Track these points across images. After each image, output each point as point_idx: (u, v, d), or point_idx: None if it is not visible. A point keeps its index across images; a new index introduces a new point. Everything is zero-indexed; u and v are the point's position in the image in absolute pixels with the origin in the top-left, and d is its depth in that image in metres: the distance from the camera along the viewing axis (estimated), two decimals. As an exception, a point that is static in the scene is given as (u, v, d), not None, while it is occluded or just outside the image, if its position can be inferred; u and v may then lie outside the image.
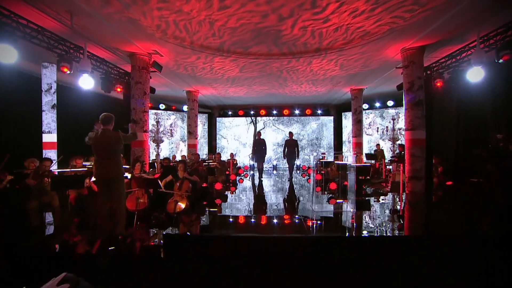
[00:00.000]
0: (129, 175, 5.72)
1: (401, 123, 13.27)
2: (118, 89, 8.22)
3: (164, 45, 7.34)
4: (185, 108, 14.93)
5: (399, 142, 10.81)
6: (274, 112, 17.25)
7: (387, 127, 9.71)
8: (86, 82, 7.09)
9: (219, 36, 6.90)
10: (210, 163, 9.24)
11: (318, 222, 5.42)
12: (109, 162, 4.24)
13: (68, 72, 6.04)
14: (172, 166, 7.36)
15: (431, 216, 6.05)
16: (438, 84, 7.48)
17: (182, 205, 5.82)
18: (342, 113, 16.24)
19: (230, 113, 17.33)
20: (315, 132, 17.26)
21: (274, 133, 17.35)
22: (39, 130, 7.65)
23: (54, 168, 6.73)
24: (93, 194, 5.74)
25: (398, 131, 9.70)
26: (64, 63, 5.93)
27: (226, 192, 8.66)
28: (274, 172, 15.98)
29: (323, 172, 11.33)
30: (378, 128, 10.28)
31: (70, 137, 8.66)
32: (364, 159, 12.48)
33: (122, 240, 4.18)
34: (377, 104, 14.59)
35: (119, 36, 6.62)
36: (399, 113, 13.40)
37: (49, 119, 7.61)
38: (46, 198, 5.62)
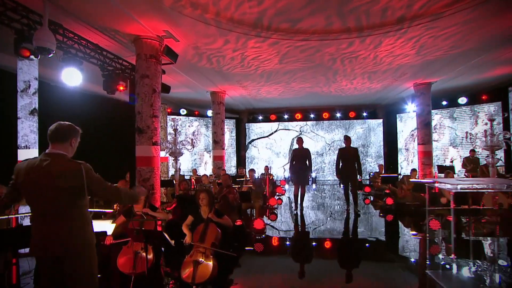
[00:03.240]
0: (108, 227, 3.47)
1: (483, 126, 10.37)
2: (121, 88, 6.11)
3: (179, 21, 5.15)
4: (209, 113, 12.81)
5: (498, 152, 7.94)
6: (312, 115, 14.79)
7: (485, 131, 6.96)
8: (71, 77, 5.02)
9: (257, 1, 4.61)
10: (241, 184, 6.92)
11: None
12: (56, 222, 2.01)
13: (33, 57, 3.94)
14: (189, 196, 5.04)
15: None
16: None
17: (207, 266, 3.50)
18: (397, 115, 13.47)
19: (260, 118, 15.05)
20: (360, 138, 14.59)
21: (312, 141, 14.81)
22: (14, 143, 5.65)
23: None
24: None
25: (502, 135, 6.94)
26: (25, 44, 3.84)
27: (268, 222, 6.30)
28: (313, 186, 13.48)
29: (387, 191, 8.71)
30: (467, 133, 7.52)
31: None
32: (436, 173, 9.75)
33: None
34: (444, 103, 11.77)
35: (112, 5, 4.48)
36: (479, 112, 10.53)
37: (26, 129, 5.60)
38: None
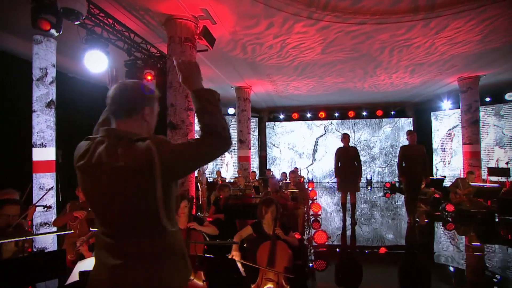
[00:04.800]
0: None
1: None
2: (149, 77, 5.33)
3: (222, -4, 4.37)
4: (230, 111, 12.03)
5: None
6: (336, 114, 13.92)
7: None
8: (96, 62, 4.26)
9: (323, -32, 3.80)
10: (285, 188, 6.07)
11: None
12: (125, 252, 1.17)
13: (53, 32, 3.16)
14: (240, 205, 4.16)
15: None
16: None
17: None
18: (432, 113, 12.54)
19: (282, 116, 14.21)
20: (389, 138, 13.72)
21: (337, 140, 13.92)
22: (29, 141, 4.88)
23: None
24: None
25: None
26: (45, 15, 3.06)
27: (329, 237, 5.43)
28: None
29: (436, 196, 7.83)
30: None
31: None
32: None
33: None
34: (487, 99, 10.81)
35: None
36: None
37: (42, 124, 4.82)
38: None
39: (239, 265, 2.27)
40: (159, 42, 5.73)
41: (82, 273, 1.73)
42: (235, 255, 2.93)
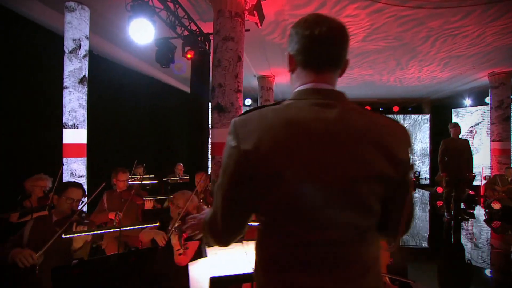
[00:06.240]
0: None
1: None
2: (189, 55, 4.91)
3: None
4: (247, 102, 11.65)
5: None
6: (352, 109, 13.59)
7: None
8: (142, 31, 3.84)
9: None
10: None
11: None
12: (356, 265, 0.82)
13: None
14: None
15: None
16: None
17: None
18: (453, 110, 12.28)
19: (295, 110, 13.82)
20: (405, 134, 13.41)
21: (353, 136, 13.66)
22: (59, 122, 4.43)
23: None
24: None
25: None
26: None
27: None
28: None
29: (471, 193, 7.56)
30: None
31: (112, 140, 5.49)
32: None
33: None
34: (512, 97, 10.58)
35: None
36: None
37: (74, 102, 4.35)
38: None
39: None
40: (197, 20, 5.31)
41: (214, 280, 1.36)
42: None
